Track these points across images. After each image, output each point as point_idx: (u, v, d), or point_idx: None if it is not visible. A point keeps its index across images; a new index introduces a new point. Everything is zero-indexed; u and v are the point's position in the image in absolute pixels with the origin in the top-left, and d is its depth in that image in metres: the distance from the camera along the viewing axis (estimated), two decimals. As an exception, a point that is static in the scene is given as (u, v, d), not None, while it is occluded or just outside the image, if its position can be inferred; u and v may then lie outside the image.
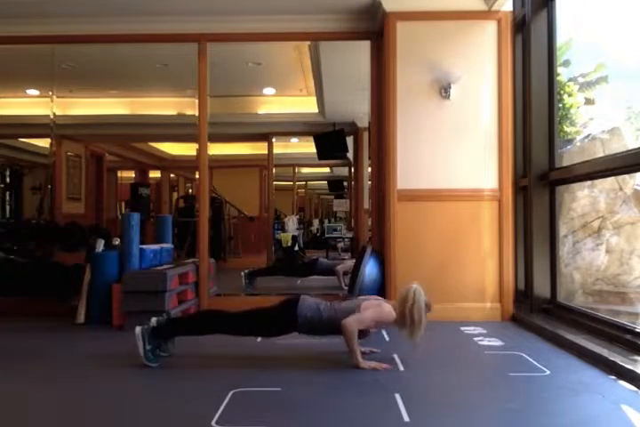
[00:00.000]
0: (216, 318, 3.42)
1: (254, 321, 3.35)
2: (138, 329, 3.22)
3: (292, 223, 8.75)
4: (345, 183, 11.69)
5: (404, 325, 3.21)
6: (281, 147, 9.82)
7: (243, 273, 6.22)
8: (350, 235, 9.23)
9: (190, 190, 11.73)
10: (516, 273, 4.70)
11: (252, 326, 3.35)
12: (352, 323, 3.16)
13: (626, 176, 5.03)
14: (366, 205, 7.67)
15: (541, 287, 4.45)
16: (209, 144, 5.06)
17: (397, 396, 2.66)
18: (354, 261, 5.44)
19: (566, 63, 12.44)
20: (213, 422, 2.36)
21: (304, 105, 7.79)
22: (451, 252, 4.56)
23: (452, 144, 4.60)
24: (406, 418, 2.40)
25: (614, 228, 5.09)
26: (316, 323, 3.23)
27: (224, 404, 2.57)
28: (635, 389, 2.75)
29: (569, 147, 5.28)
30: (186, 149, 9.72)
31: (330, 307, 3.29)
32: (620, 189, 5.13)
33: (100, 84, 7.34)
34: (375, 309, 3.24)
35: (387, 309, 3.25)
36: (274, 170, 9.20)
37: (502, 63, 4.59)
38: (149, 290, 4.21)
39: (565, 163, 4.60)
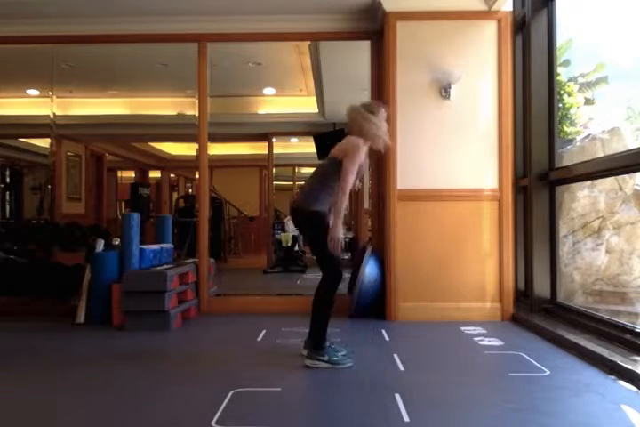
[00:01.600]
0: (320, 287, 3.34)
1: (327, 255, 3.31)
2: (308, 362, 3.18)
3: (291, 223, 8.74)
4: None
5: (371, 138, 3.28)
6: (281, 147, 9.82)
7: None
8: (350, 235, 9.23)
9: (190, 190, 11.74)
10: (516, 273, 4.70)
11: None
12: (347, 166, 3.19)
13: (626, 176, 5.03)
14: (366, 205, 7.67)
15: (541, 287, 4.45)
16: (209, 144, 5.07)
17: (397, 396, 2.66)
18: None
19: (566, 63, 12.43)
20: (213, 423, 2.36)
21: (304, 105, 7.79)
22: (451, 252, 4.56)
23: (452, 144, 4.60)
24: (406, 418, 2.40)
25: (614, 228, 5.09)
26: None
27: (224, 404, 2.57)
28: (635, 389, 2.75)
29: (569, 147, 5.28)
30: (186, 149, 9.73)
31: None
32: (620, 189, 5.13)
33: (100, 84, 7.34)
34: (351, 150, 3.23)
35: (355, 141, 3.26)
36: (274, 170, 9.20)
37: (502, 63, 4.58)
38: (149, 290, 4.21)
39: (565, 163, 4.60)
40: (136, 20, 4.89)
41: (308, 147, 8.80)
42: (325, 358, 3.19)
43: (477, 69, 4.61)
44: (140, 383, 2.97)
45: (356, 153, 3.23)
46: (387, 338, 3.98)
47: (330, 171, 3.31)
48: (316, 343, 3.24)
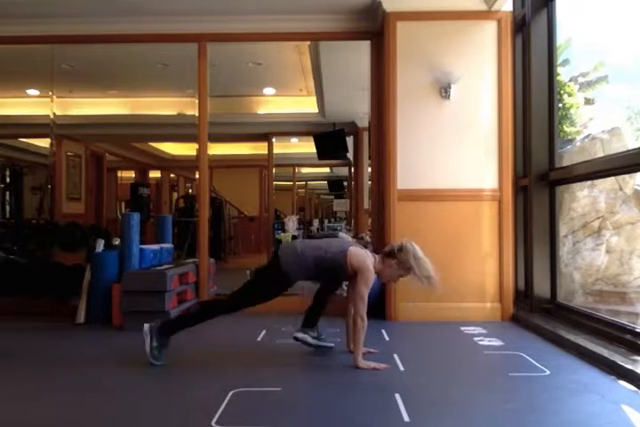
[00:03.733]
0: (218, 303, 3.49)
1: (252, 291, 3.32)
2: (146, 326, 3.22)
3: (292, 223, 8.74)
4: (345, 183, 11.69)
5: (385, 274, 3.30)
6: (281, 147, 9.82)
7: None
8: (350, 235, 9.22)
9: (190, 190, 11.74)
10: (516, 273, 4.70)
11: (252, 296, 3.31)
12: (362, 291, 3.15)
13: (626, 176, 5.03)
14: (366, 205, 7.67)
15: (541, 287, 4.45)
16: (209, 144, 5.07)
17: (397, 396, 2.66)
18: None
19: (565, 62, 12.42)
20: (213, 422, 2.36)
21: (304, 105, 7.79)
22: (451, 252, 4.56)
23: (452, 144, 4.60)
24: (406, 418, 2.40)
25: (614, 228, 5.09)
26: (305, 268, 3.21)
27: (224, 404, 2.57)
28: (635, 389, 2.75)
29: (569, 147, 5.29)
30: (186, 149, 9.73)
31: (314, 247, 3.27)
32: (620, 189, 5.13)
33: (100, 84, 7.34)
34: (366, 273, 3.19)
35: (371, 268, 3.22)
36: (274, 170, 9.20)
37: (502, 63, 4.58)
38: (149, 290, 4.21)
39: (565, 163, 4.60)
40: (136, 19, 4.89)
41: (307, 147, 8.81)
42: (155, 344, 3.17)
43: (477, 69, 4.61)
44: (140, 383, 2.97)
45: (370, 278, 3.19)
46: (387, 338, 3.98)
47: (332, 266, 3.23)
48: (163, 329, 3.22)
